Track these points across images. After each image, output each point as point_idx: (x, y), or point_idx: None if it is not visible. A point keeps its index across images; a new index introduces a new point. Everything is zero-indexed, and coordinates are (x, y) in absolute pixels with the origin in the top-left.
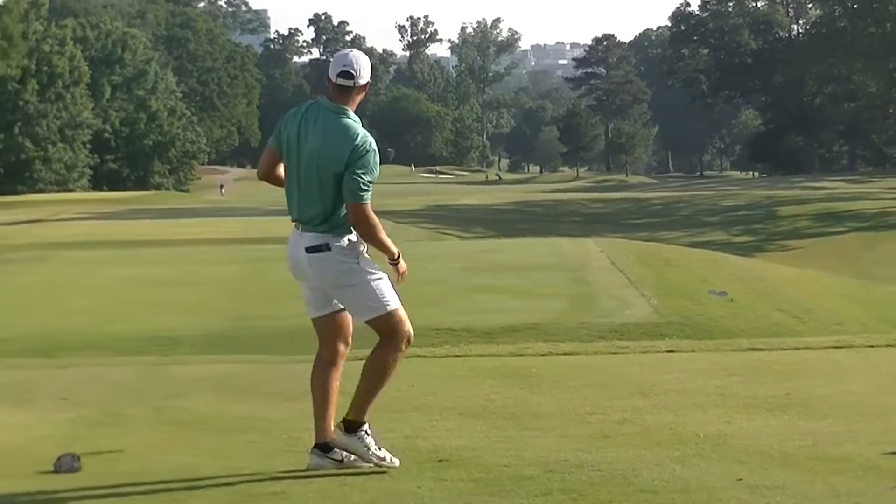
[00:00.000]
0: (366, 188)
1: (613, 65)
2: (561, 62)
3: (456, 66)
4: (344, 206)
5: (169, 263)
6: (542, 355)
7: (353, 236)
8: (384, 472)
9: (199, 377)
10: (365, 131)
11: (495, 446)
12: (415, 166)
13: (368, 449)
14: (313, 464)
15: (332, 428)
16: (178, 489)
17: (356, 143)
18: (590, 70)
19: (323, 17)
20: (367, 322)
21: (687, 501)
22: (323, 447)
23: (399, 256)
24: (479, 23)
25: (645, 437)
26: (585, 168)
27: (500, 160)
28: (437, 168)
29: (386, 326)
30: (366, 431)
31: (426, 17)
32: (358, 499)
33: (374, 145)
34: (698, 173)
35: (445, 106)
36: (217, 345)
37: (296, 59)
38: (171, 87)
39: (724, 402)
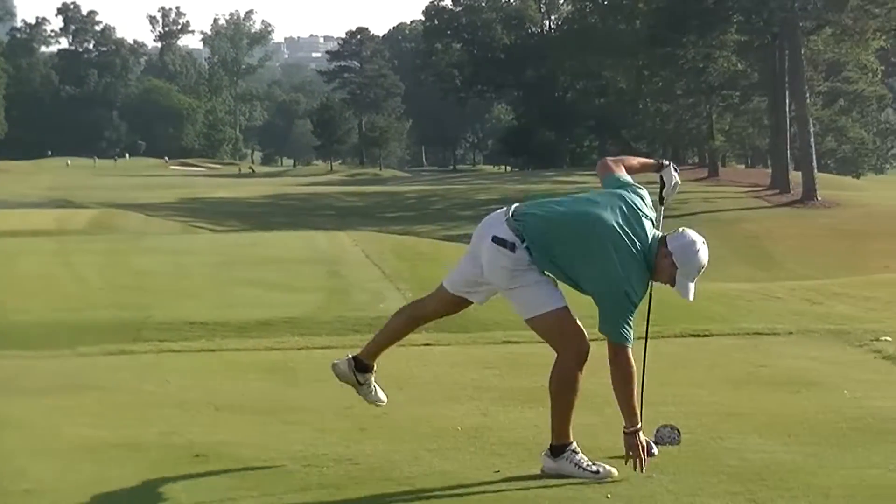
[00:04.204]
0: (629, 326)
1: (367, 58)
2: (315, 55)
3: (208, 58)
4: (548, 249)
5: None
6: (299, 349)
7: (534, 262)
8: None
9: None
10: (632, 275)
11: (253, 441)
12: (168, 158)
13: (579, 467)
14: None
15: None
16: None
17: (614, 282)
18: (343, 63)
19: (71, 7)
20: (531, 327)
21: (445, 494)
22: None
23: (639, 430)
24: (231, 14)
25: (403, 431)
26: (339, 161)
27: (252, 153)
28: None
29: (552, 333)
30: (573, 450)
31: (178, 7)
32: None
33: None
34: (451, 167)
35: (198, 98)
36: None
37: (43, 48)
38: None
39: (481, 394)
